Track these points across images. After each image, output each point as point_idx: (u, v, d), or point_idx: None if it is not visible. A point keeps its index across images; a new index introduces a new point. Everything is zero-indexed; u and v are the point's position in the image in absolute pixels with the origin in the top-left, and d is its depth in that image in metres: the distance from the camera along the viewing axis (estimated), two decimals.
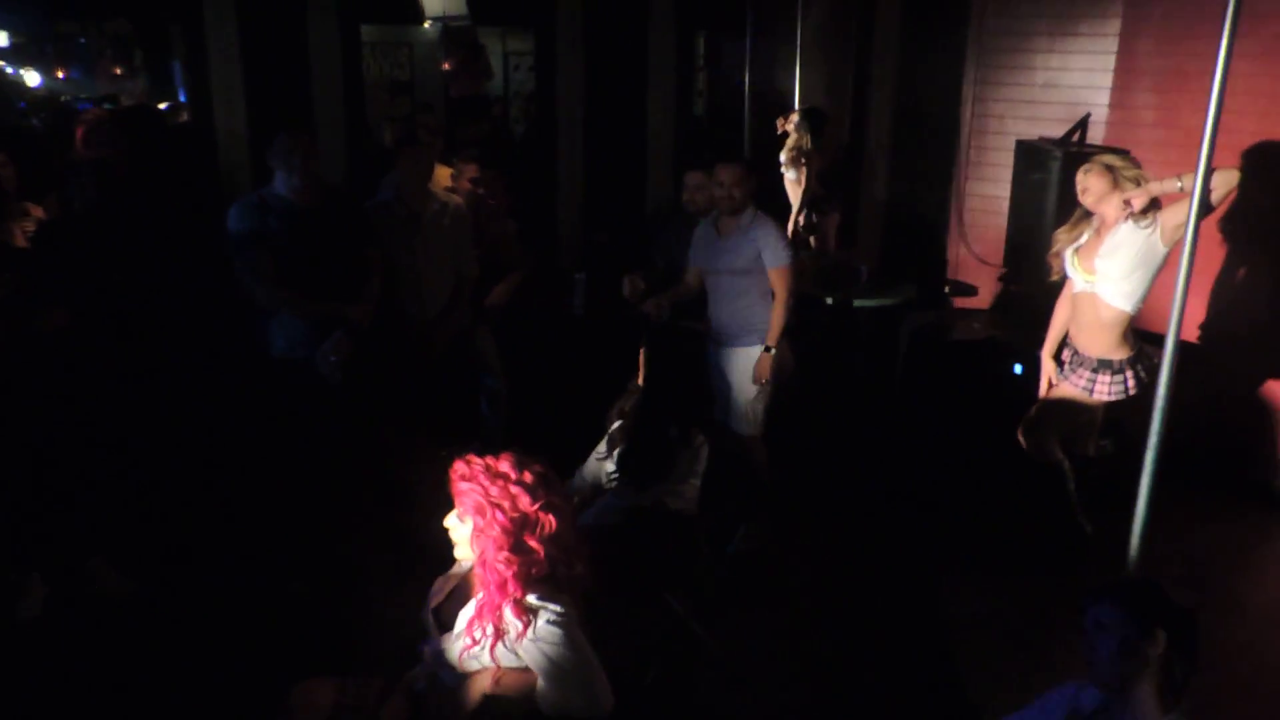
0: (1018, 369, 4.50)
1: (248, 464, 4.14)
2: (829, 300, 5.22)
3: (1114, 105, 5.35)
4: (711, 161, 4.27)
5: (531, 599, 2.23)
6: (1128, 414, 3.78)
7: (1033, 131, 5.52)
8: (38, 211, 4.38)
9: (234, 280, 3.96)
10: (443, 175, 4.88)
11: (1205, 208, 2.91)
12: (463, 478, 2.25)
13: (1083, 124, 5.37)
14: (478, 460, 2.26)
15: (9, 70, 10.06)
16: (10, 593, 3.19)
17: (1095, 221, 3.71)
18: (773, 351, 4.04)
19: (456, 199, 4.55)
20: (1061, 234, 3.85)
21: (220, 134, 5.47)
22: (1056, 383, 3.96)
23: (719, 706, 3.35)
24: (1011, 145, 5.44)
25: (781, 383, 4.24)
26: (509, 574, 2.21)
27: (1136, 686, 1.99)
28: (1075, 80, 5.49)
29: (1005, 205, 5.47)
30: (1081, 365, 3.79)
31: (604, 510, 3.49)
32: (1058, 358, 3.97)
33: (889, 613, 3.85)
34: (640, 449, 3.41)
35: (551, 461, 2.37)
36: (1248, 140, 4.46)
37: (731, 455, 4.27)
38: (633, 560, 3.31)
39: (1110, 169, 3.60)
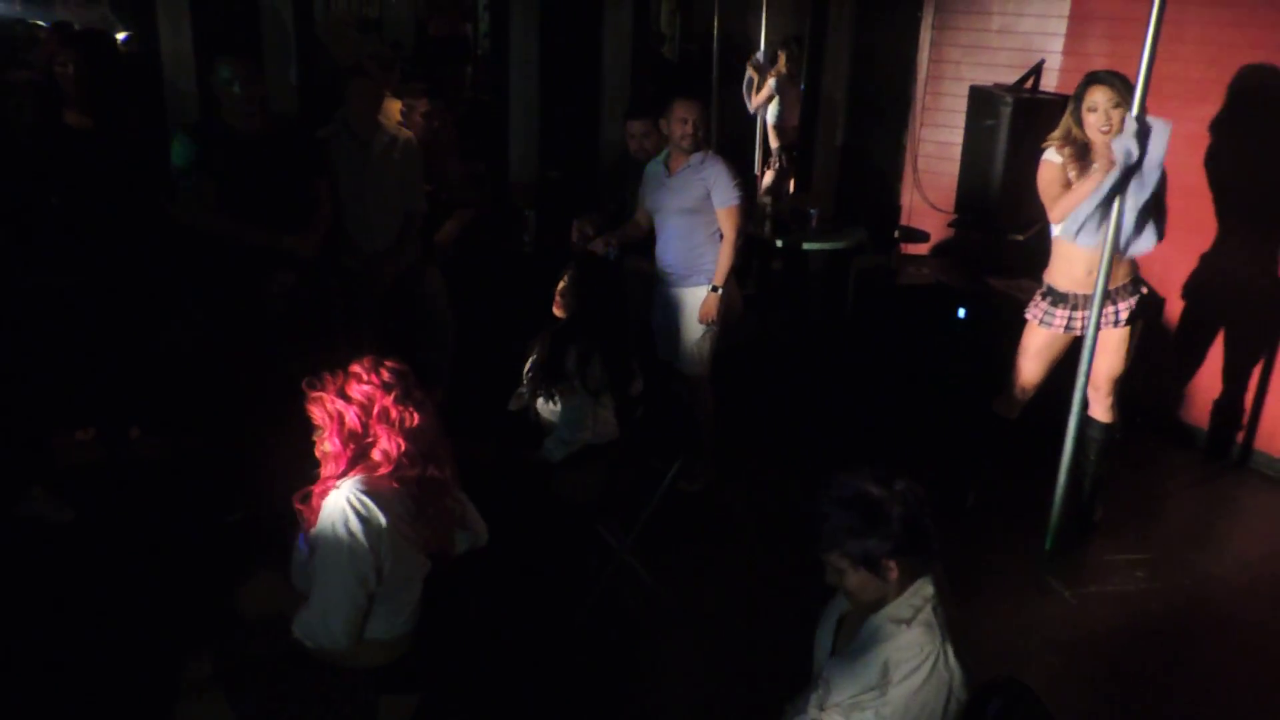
0: (961, 313, 4.56)
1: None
2: (779, 243, 5.23)
3: (1067, 52, 5.36)
4: (654, 109, 4.26)
5: (344, 489, 2.18)
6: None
7: (988, 78, 5.51)
8: None
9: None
10: (394, 109, 4.80)
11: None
12: (313, 389, 2.25)
13: (1036, 70, 5.38)
14: (330, 377, 2.25)
15: None
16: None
17: (1072, 173, 3.63)
18: (719, 292, 4.06)
19: (407, 133, 4.48)
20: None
21: (166, 60, 5.32)
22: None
23: (658, 643, 3.39)
24: (966, 91, 5.44)
25: (729, 324, 4.27)
26: (340, 467, 2.23)
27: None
28: (1029, 26, 5.49)
29: (959, 152, 5.48)
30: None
31: None
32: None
33: None
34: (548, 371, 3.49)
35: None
36: (1194, 89, 4.50)
37: (677, 395, 4.31)
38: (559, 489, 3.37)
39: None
